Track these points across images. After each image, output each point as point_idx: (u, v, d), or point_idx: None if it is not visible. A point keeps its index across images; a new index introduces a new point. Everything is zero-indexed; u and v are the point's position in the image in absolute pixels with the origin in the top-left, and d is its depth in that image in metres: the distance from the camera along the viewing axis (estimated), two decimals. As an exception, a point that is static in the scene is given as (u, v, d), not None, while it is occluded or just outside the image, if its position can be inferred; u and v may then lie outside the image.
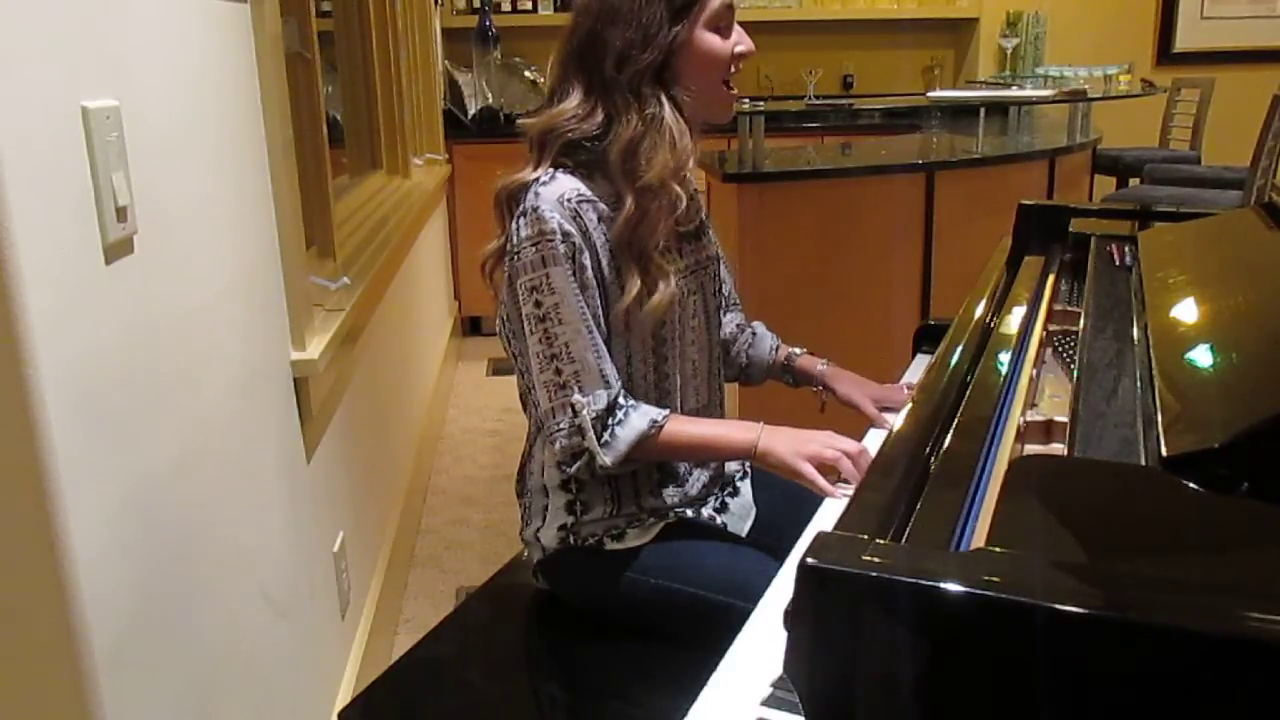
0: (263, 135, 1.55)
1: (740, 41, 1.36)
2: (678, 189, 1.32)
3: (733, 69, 1.37)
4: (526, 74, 5.01)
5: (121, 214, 1.00)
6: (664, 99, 1.31)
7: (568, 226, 1.28)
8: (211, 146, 1.33)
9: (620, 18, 1.30)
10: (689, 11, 1.31)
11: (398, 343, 2.87)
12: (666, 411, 1.34)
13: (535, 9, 5.00)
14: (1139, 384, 1.07)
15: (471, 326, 4.82)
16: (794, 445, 1.32)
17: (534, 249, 1.28)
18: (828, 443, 1.32)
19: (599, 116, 1.32)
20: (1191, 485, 0.80)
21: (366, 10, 2.85)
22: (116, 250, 1.00)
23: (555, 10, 4.96)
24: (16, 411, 0.85)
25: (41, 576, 0.88)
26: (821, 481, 1.29)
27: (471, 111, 4.81)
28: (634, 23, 1.29)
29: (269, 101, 1.55)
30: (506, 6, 4.99)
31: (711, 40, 1.33)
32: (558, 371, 1.30)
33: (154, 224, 1.09)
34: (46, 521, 0.87)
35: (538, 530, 1.44)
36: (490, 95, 4.83)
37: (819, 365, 1.62)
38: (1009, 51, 5.23)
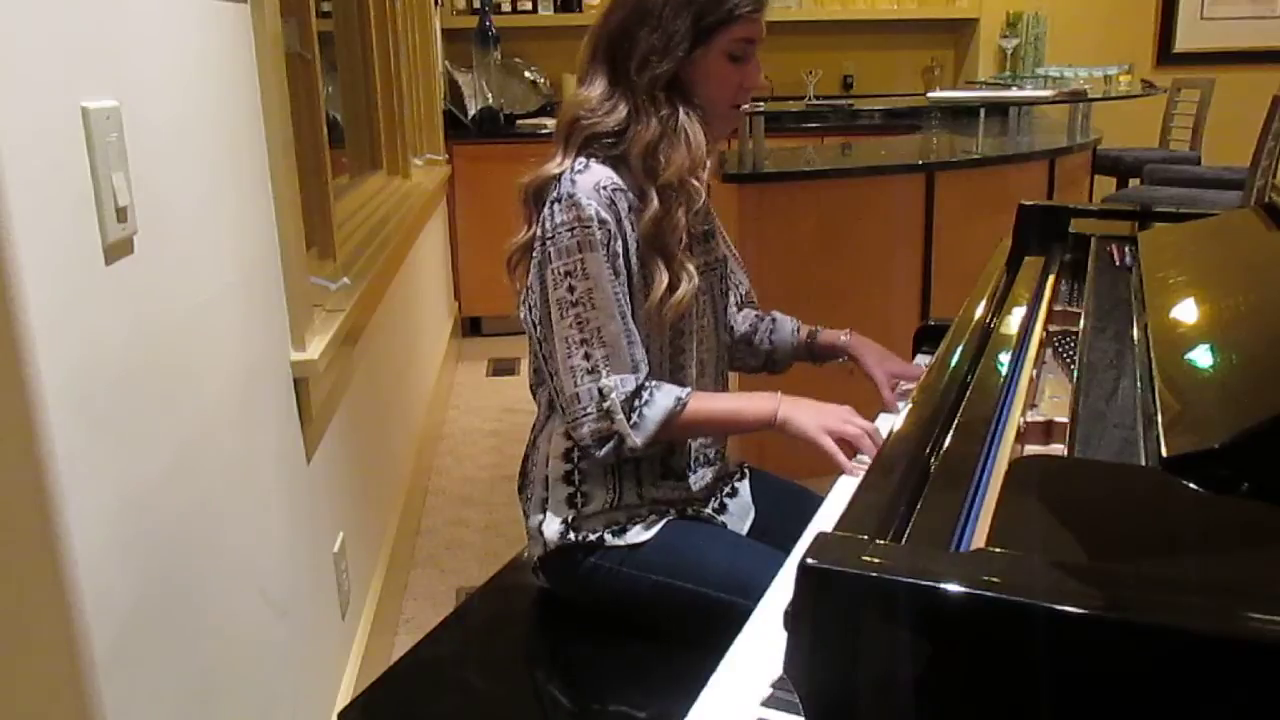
0: (263, 135, 1.55)
1: (752, 76, 1.38)
2: (696, 184, 1.35)
3: (740, 98, 1.40)
4: (526, 74, 5.01)
5: (121, 214, 1.00)
6: (679, 106, 1.35)
7: (604, 214, 1.30)
8: (211, 146, 1.33)
9: (650, 20, 1.32)
10: (713, 35, 1.33)
11: (398, 343, 2.87)
12: (689, 389, 1.37)
13: (535, 9, 4.99)
14: (1139, 384, 1.07)
15: (471, 327, 4.81)
16: (815, 416, 1.35)
17: (570, 234, 1.30)
18: (847, 418, 1.35)
19: (621, 112, 1.35)
20: (1191, 485, 0.80)
21: (366, 10, 2.85)
22: (116, 250, 1.00)
23: (555, 11, 4.96)
24: (16, 411, 0.85)
25: (41, 576, 0.88)
26: (840, 457, 1.31)
27: (471, 112, 4.81)
28: (661, 29, 1.32)
29: (269, 101, 1.55)
30: (506, 7, 4.98)
31: (724, 68, 1.36)
32: (587, 356, 1.31)
33: (154, 224, 1.09)
34: (46, 521, 0.87)
35: (540, 524, 1.44)
36: (490, 96, 4.83)
37: (841, 336, 1.65)
38: (1009, 52, 5.23)
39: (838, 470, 1.32)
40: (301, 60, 1.93)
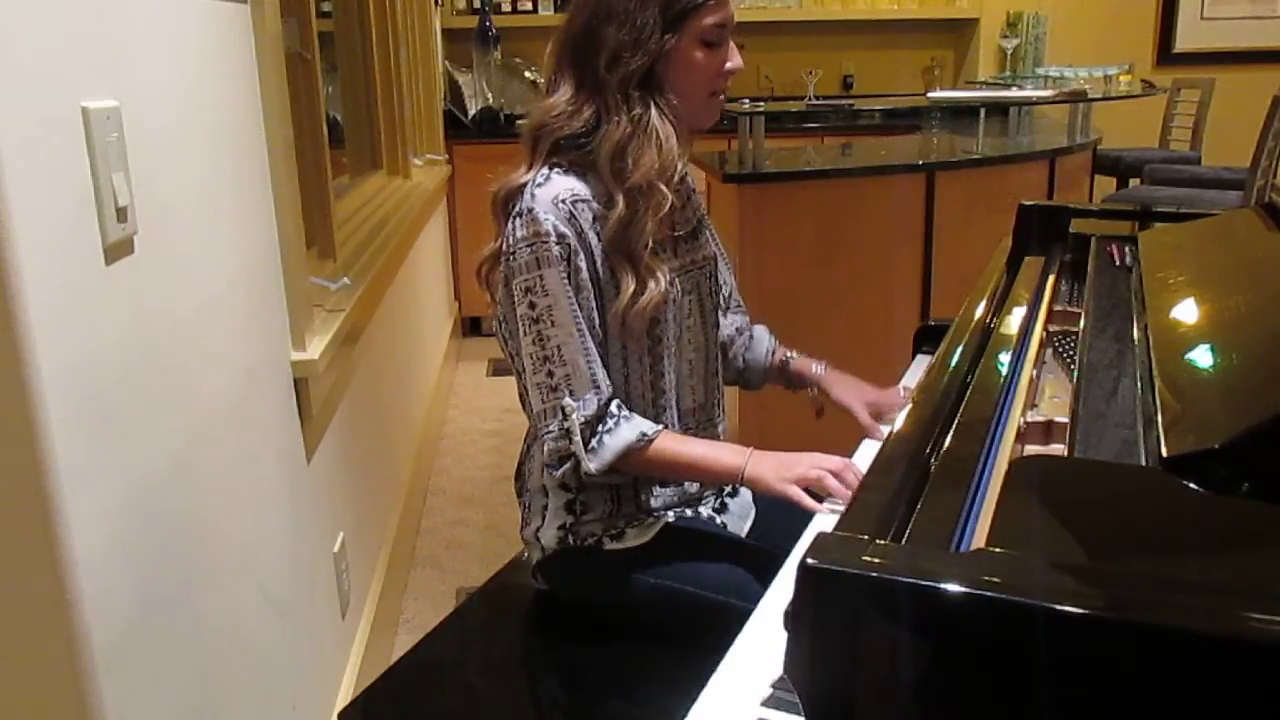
0: (263, 135, 1.55)
1: (730, 59, 1.36)
2: (664, 189, 1.32)
3: (719, 84, 1.37)
4: (526, 74, 5.01)
5: (121, 214, 1.00)
6: (651, 103, 1.32)
7: (563, 228, 1.28)
8: (211, 146, 1.33)
9: (615, 17, 1.30)
10: (682, 23, 1.31)
11: (398, 343, 2.87)
12: (659, 427, 1.34)
13: (535, 9, 5.00)
14: (1139, 384, 1.07)
15: (471, 326, 4.82)
16: (779, 470, 1.31)
17: (529, 250, 1.28)
18: (813, 463, 1.31)
19: (587, 113, 1.32)
20: (1191, 485, 0.80)
21: (366, 10, 2.85)
22: (116, 250, 1.00)
23: (555, 10, 4.96)
24: (16, 411, 0.85)
25: (41, 576, 0.88)
26: (808, 501, 1.28)
27: (471, 112, 4.81)
28: (628, 24, 1.30)
29: (269, 101, 1.55)
30: (506, 7, 4.99)
31: (700, 55, 1.33)
32: (549, 374, 1.30)
33: (154, 224, 1.09)
34: (46, 521, 0.87)
35: (537, 530, 1.44)
36: (490, 95, 4.83)
37: (815, 368, 1.60)
38: (1009, 52, 5.23)
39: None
40: (301, 60, 1.93)
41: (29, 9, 0.88)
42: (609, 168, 1.31)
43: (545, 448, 1.32)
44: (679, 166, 1.36)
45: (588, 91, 1.33)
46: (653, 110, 1.32)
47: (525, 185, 1.32)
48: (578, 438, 1.29)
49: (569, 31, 1.35)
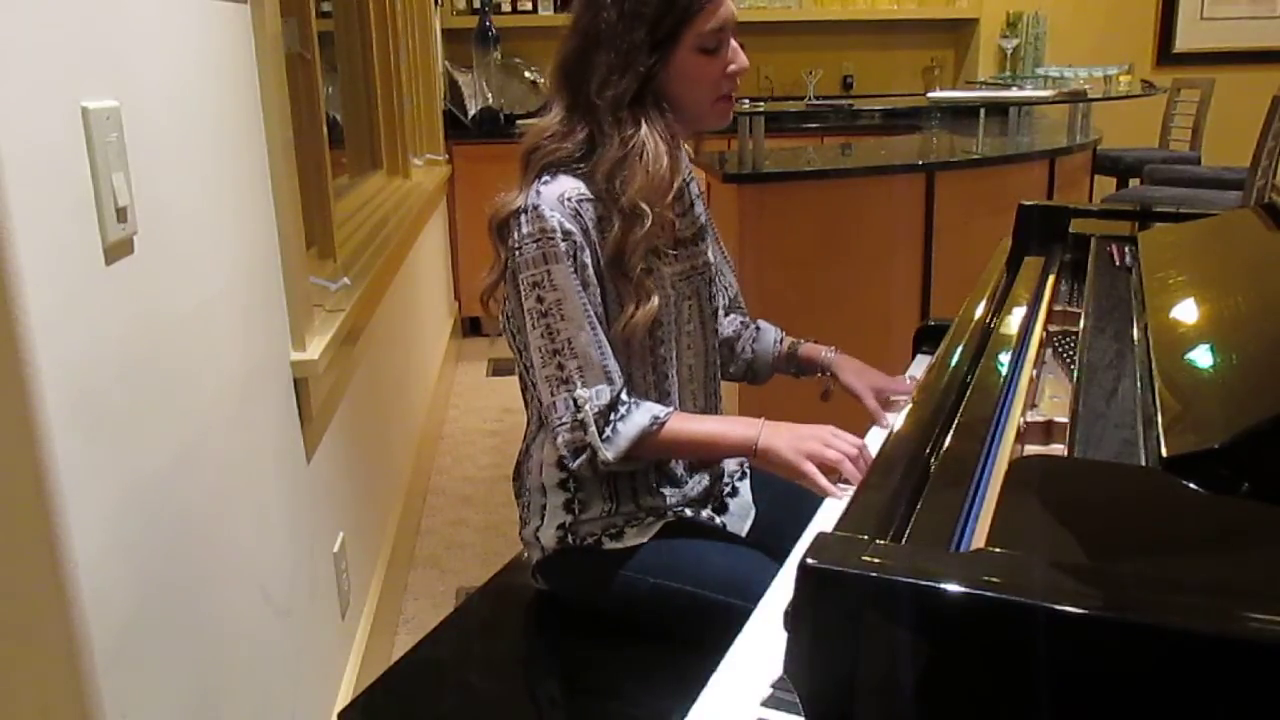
0: (263, 135, 1.55)
1: (733, 60, 1.35)
2: (647, 209, 1.30)
3: (725, 87, 1.36)
4: (526, 74, 5.01)
5: (121, 214, 1.00)
6: (644, 122, 1.31)
7: (568, 225, 1.28)
8: (211, 146, 1.33)
9: (605, 41, 1.30)
10: (675, 37, 1.31)
11: (398, 343, 2.87)
12: (669, 409, 1.35)
13: (535, 9, 5.00)
14: (1139, 384, 1.07)
15: (471, 326, 4.82)
16: (795, 443, 1.31)
17: (535, 246, 1.29)
18: (829, 441, 1.32)
19: (580, 136, 1.33)
20: (1191, 485, 0.80)
21: (366, 10, 2.85)
22: (116, 250, 1.00)
23: (555, 10, 4.97)
24: (16, 411, 0.85)
25: (41, 576, 0.88)
26: (823, 481, 1.29)
27: (471, 112, 4.81)
28: (616, 48, 1.30)
29: (269, 101, 1.55)
30: (506, 7, 4.99)
31: (699, 63, 1.33)
32: (560, 366, 1.30)
33: (154, 224, 1.09)
34: (46, 521, 0.87)
35: (536, 530, 1.44)
36: (490, 96, 4.84)
37: (824, 352, 1.62)
38: (1009, 52, 5.23)
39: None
40: (301, 60, 1.93)
41: (29, 9, 0.88)
42: (604, 189, 1.31)
43: (559, 439, 1.32)
44: (677, 183, 1.35)
45: (580, 114, 1.33)
46: (643, 128, 1.31)
47: (520, 209, 1.32)
48: (593, 428, 1.30)
49: (561, 56, 1.35)
